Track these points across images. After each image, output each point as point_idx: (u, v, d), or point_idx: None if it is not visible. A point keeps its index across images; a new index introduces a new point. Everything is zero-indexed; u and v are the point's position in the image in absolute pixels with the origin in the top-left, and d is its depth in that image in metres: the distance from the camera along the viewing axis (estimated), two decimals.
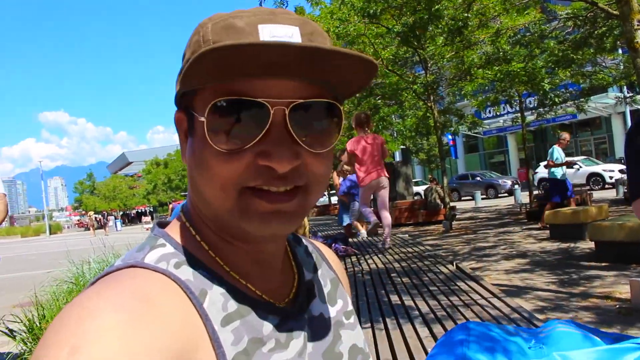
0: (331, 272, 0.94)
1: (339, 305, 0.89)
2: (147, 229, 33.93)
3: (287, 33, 0.67)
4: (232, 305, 0.69)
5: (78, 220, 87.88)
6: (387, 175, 7.96)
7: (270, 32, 0.66)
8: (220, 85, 0.66)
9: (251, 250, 0.75)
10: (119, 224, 57.80)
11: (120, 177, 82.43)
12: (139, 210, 78.72)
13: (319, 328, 0.81)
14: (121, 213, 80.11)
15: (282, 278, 0.82)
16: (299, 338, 0.75)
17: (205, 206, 0.73)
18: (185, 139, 0.75)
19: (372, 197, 8.46)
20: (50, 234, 61.04)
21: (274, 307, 0.74)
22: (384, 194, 7.97)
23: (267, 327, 0.71)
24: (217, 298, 0.68)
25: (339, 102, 0.72)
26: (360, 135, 7.76)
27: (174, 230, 0.77)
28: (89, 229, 55.77)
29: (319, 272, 0.91)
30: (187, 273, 0.69)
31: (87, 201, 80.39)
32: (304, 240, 0.96)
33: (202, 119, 0.66)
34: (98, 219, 60.63)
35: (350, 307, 0.91)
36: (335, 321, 0.85)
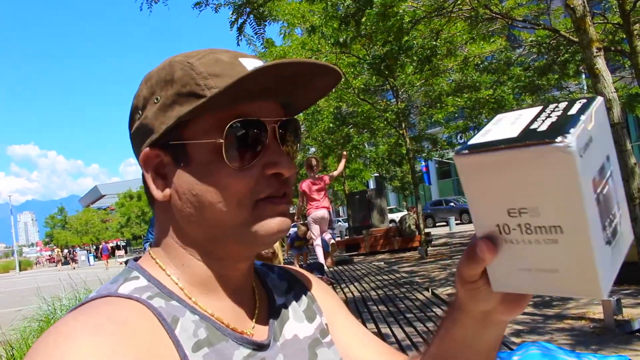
0: (307, 290, 0.96)
1: (317, 322, 0.90)
2: (121, 263, 33.26)
3: (260, 64, 0.75)
4: (202, 332, 0.71)
5: (49, 256, 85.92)
6: (329, 208, 9.68)
7: (251, 63, 0.75)
8: (221, 112, 0.72)
9: (220, 276, 0.78)
10: (91, 258, 56.41)
11: (92, 211, 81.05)
12: (116, 244, 77.23)
13: (293, 352, 0.82)
14: (94, 247, 78.56)
15: (253, 307, 0.84)
16: None
17: (205, 230, 0.75)
18: (157, 176, 0.76)
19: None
20: (20, 270, 59.38)
21: (245, 338, 0.75)
22: (324, 223, 9.56)
23: (238, 356, 0.72)
24: (188, 325, 0.70)
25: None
26: (310, 177, 9.19)
27: (147, 263, 0.79)
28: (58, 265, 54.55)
29: (292, 293, 0.93)
30: (159, 302, 0.70)
31: (58, 236, 78.75)
32: (275, 268, 0.98)
33: (220, 140, 0.71)
34: (65, 255, 59.45)
35: (325, 327, 0.91)
36: (312, 340, 0.86)
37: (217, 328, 0.73)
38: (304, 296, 0.94)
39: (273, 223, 0.74)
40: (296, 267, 1.05)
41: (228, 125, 0.71)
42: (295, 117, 0.82)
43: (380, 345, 0.96)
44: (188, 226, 0.77)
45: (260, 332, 0.80)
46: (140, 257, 0.84)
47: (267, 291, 0.89)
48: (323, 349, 0.86)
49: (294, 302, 0.91)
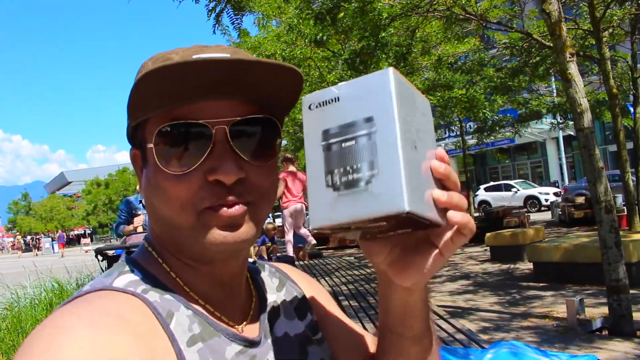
0: (297, 287, 0.96)
1: (307, 319, 0.91)
2: (87, 251, 32.78)
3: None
4: (196, 327, 0.71)
5: (12, 243, 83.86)
6: (305, 203, 9.55)
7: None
8: (163, 113, 0.69)
9: (212, 273, 0.77)
10: (56, 246, 55.06)
11: (58, 197, 79.04)
12: (84, 231, 75.71)
13: (283, 349, 0.82)
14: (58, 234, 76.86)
15: (244, 304, 0.84)
16: None
17: (166, 230, 0.76)
18: (141, 173, 0.78)
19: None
20: None
21: (237, 334, 0.76)
22: (300, 217, 9.56)
23: (230, 352, 0.73)
24: (183, 319, 0.70)
25: (278, 119, 0.76)
26: (290, 170, 9.32)
27: (140, 257, 0.79)
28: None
29: (283, 291, 0.93)
30: (154, 296, 0.70)
31: (22, 222, 76.87)
32: (266, 265, 0.98)
33: (151, 145, 0.70)
34: (28, 241, 58.23)
35: (315, 324, 0.92)
36: (303, 337, 0.87)
37: (210, 324, 0.73)
38: (294, 293, 0.94)
39: (217, 234, 0.70)
40: (283, 264, 1.05)
41: (157, 130, 0.70)
42: (266, 115, 0.74)
43: (367, 337, 0.97)
44: (154, 224, 0.79)
45: (251, 329, 0.80)
46: (132, 249, 0.84)
47: (258, 289, 0.90)
48: (313, 346, 0.87)
49: (284, 300, 0.91)
